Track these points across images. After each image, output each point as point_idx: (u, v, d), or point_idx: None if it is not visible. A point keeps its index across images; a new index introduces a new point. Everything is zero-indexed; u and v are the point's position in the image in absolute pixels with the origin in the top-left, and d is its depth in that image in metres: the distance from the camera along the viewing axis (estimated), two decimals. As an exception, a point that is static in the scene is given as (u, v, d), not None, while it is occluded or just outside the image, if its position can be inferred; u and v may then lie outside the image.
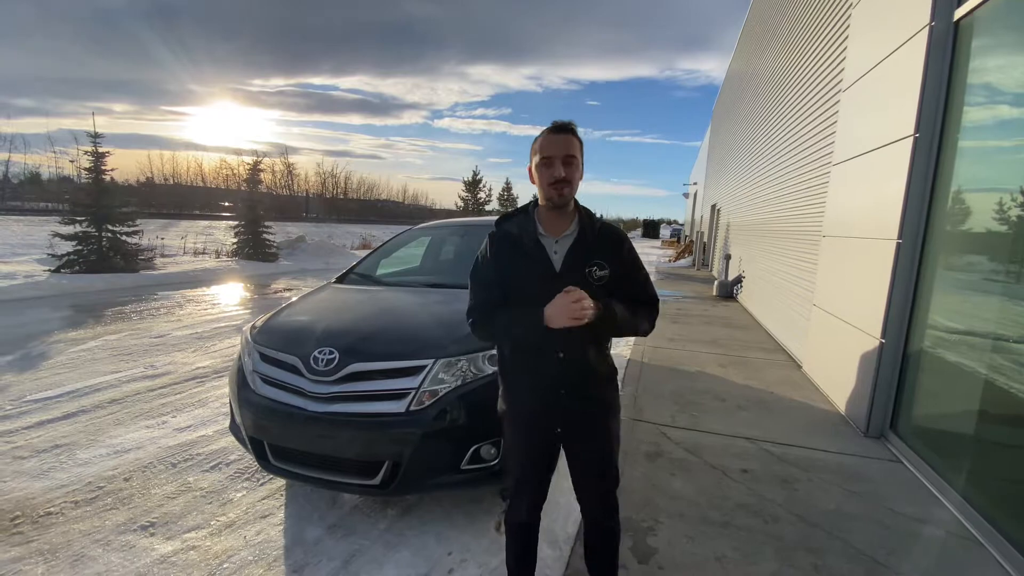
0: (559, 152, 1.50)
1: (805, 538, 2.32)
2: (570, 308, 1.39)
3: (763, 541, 2.29)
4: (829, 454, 3.18)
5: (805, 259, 5.33)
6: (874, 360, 3.39)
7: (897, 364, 3.30)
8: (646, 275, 1.69)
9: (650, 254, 23.25)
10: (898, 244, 3.22)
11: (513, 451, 1.74)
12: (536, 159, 1.54)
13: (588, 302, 1.40)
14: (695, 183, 26.24)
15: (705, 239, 17.88)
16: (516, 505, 1.76)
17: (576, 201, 1.62)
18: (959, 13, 2.91)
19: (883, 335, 3.31)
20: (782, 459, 3.09)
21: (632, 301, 1.61)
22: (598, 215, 1.69)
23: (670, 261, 19.53)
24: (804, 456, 3.14)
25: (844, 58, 4.48)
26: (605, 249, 1.58)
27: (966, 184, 2.91)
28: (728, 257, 11.06)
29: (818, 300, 4.62)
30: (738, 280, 9.78)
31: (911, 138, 3.12)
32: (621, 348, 5.80)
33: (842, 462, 3.08)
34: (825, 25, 5.26)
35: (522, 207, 1.71)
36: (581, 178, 1.58)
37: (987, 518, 2.36)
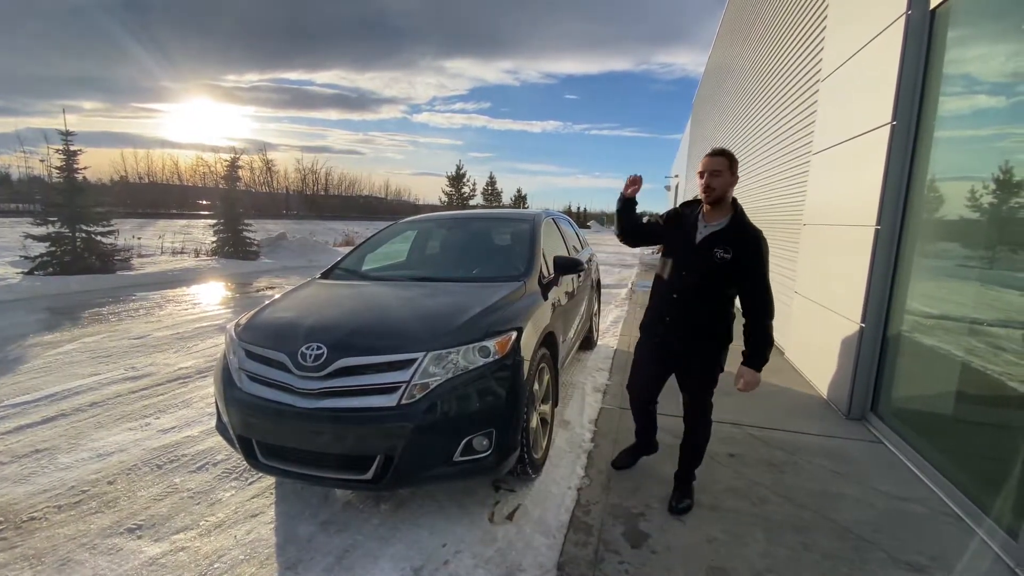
0: (707, 167, 2.22)
1: (793, 518, 2.37)
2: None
3: (752, 523, 2.34)
4: (813, 437, 3.25)
5: (786, 248, 5.42)
6: (854, 345, 3.47)
7: (877, 348, 3.38)
8: (764, 282, 2.25)
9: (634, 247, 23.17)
10: (876, 231, 3.29)
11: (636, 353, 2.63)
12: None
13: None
14: (676, 175, 26.44)
15: (688, 230, 18.01)
16: (634, 387, 2.66)
17: (733, 204, 2.27)
18: (935, 1, 2.96)
19: (863, 320, 3.39)
20: (768, 443, 3.16)
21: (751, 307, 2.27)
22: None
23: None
24: (789, 439, 3.21)
25: (823, 48, 4.54)
26: (734, 240, 2.19)
27: (942, 172, 2.98)
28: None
29: (799, 287, 4.71)
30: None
31: (888, 126, 3.18)
32: (608, 339, 5.85)
33: (826, 444, 3.16)
34: (803, 15, 5.32)
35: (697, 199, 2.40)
36: (727, 187, 2.23)
37: (965, 493, 2.44)
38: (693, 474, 2.54)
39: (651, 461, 2.90)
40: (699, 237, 2.26)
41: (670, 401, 2.74)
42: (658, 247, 2.57)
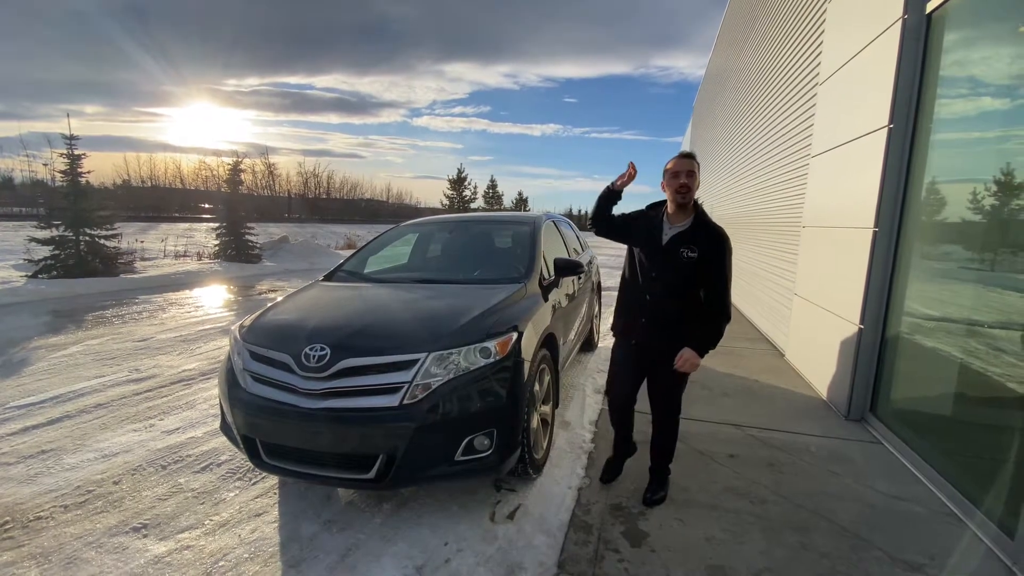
0: (683, 168, 2.28)
1: (791, 518, 2.39)
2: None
3: (751, 522, 2.36)
4: (812, 437, 3.27)
5: (786, 250, 5.43)
6: (853, 346, 3.49)
7: (875, 349, 3.40)
8: (725, 281, 2.31)
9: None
10: (874, 233, 3.31)
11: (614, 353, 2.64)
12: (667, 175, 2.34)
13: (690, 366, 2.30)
14: (678, 178, 26.42)
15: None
16: (615, 392, 2.61)
17: (695, 204, 2.35)
18: (931, 6, 2.99)
19: (861, 321, 3.41)
20: (767, 443, 3.17)
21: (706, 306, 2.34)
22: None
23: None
24: (788, 440, 3.23)
25: (821, 52, 4.57)
26: (699, 239, 2.30)
27: (939, 174, 3.00)
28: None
29: (799, 289, 4.73)
30: (722, 272, 9.88)
31: (885, 129, 3.21)
32: (609, 341, 5.85)
33: (825, 445, 3.17)
34: (802, 19, 5.36)
35: (661, 202, 2.48)
36: (697, 187, 2.30)
37: (964, 493, 2.46)
38: (668, 468, 2.64)
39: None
40: (665, 238, 2.34)
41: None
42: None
